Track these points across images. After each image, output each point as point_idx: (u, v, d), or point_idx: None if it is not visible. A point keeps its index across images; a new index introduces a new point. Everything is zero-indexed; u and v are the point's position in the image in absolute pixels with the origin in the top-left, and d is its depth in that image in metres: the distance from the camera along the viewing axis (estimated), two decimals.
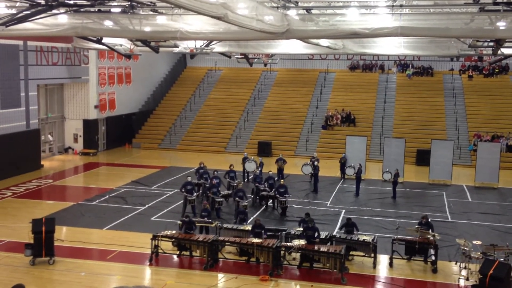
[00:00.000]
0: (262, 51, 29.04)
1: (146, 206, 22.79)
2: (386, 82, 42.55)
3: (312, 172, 26.41)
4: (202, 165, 24.77)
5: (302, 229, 16.77)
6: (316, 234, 16.21)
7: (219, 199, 21.40)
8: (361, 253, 16.56)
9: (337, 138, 36.04)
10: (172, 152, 37.42)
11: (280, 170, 27.60)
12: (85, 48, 32.20)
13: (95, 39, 26.17)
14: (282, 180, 22.95)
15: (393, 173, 25.56)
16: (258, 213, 21.86)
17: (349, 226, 17.22)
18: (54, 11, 17.46)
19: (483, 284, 13.90)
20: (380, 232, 19.29)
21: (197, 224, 18.19)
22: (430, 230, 16.73)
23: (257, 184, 23.28)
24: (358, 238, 16.61)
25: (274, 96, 42.53)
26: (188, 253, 16.55)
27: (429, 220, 17.53)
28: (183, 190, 21.51)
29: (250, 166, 26.78)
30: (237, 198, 21.25)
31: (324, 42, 24.42)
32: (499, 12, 15.98)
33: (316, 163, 27.03)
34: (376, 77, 43.39)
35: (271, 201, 22.76)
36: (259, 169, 25.75)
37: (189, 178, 22.18)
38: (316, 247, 15.55)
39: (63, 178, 28.59)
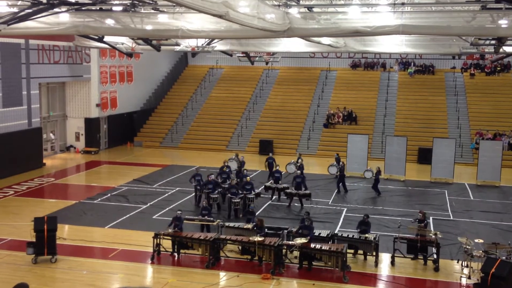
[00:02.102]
0: (263, 49, 29.04)
1: (148, 204, 22.82)
2: (388, 80, 42.51)
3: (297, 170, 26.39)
4: (226, 164, 25.03)
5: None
6: (311, 233, 16.22)
7: (214, 196, 21.45)
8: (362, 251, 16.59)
9: (339, 136, 36.02)
10: (174, 151, 37.44)
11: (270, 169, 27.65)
12: (87, 46, 32.23)
13: (96, 37, 26.19)
14: (235, 180, 22.55)
15: (374, 171, 25.58)
16: (259, 212, 21.87)
17: (365, 224, 17.09)
18: (56, 9, 17.50)
19: (485, 283, 13.89)
20: (381, 230, 19.28)
21: (198, 223, 18.28)
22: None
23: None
24: (360, 237, 16.61)
25: (275, 94, 42.52)
26: (189, 251, 16.55)
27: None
28: (204, 189, 21.86)
29: (232, 165, 26.47)
30: (229, 195, 21.35)
31: (326, 40, 24.40)
32: (501, 10, 15.97)
33: (300, 161, 27.14)
34: (378, 75, 43.34)
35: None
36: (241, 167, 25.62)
37: (212, 176, 22.27)
38: (318, 246, 15.55)
39: (65, 176, 28.63)
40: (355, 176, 28.41)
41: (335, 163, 28.50)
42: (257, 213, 21.12)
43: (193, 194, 23.20)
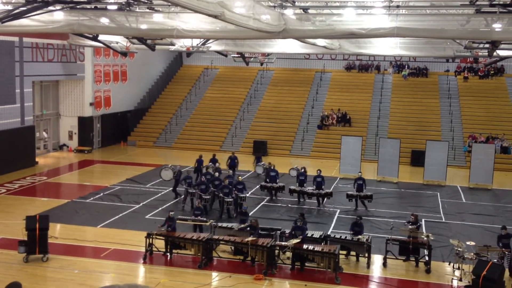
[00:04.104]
0: (258, 50, 29.08)
1: (141, 204, 22.76)
2: (382, 82, 42.63)
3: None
4: (271, 167, 25.14)
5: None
6: (303, 234, 16.27)
7: (206, 197, 21.43)
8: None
9: (333, 138, 36.09)
10: (167, 150, 37.38)
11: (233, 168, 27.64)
12: (81, 45, 32.14)
13: (91, 36, 26.12)
14: (227, 180, 22.40)
15: (300, 170, 25.50)
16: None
17: (358, 226, 17.14)
18: (50, 7, 17.44)
19: (476, 285, 13.96)
20: (374, 232, 19.33)
21: (191, 223, 18.27)
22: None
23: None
24: (353, 238, 16.65)
25: (270, 95, 42.54)
26: (181, 251, 16.53)
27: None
28: (197, 189, 21.95)
29: (167, 174, 25.26)
30: (221, 194, 21.39)
31: (321, 42, 24.45)
32: (495, 14, 16.08)
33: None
34: (372, 77, 43.46)
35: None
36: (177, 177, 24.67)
37: (203, 178, 22.37)
38: (311, 247, 15.57)
39: (57, 175, 28.51)
40: (348, 178, 28.46)
41: (263, 163, 28.38)
42: (250, 214, 21.12)
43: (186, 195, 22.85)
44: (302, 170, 24.93)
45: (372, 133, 37.05)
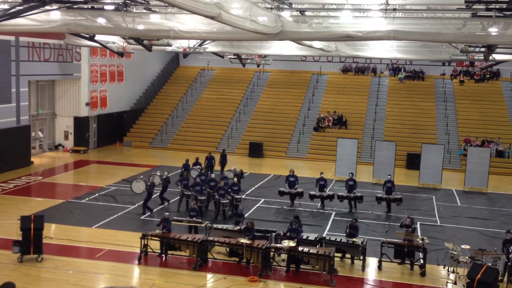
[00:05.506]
0: (255, 51, 29.05)
1: (136, 205, 22.71)
2: (378, 85, 42.71)
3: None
4: (291, 172, 24.57)
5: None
6: (298, 236, 16.28)
7: (201, 197, 21.39)
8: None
9: (329, 140, 36.12)
10: (163, 151, 37.33)
11: (211, 168, 27.68)
12: (78, 45, 32.01)
13: (87, 36, 26.06)
14: (222, 182, 22.20)
15: (236, 172, 25.15)
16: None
17: (353, 228, 17.11)
18: (47, 7, 17.39)
19: None
20: (369, 234, 19.32)
21: (186, 224, 18.24)
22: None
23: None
24: (348, 241, 16.65)
25: (266, 97, 42.55)
26: (176, 252, 16.50)
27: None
28: (191, 191, 21.83)
29: (138, 187, 22.80)
30: (216, 196, 21.35)
31: (317, 44, 24.45)
32: (491, 18, 16.12)
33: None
34: (368, 80, 43.53)
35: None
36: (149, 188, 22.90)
37: (198, 178, 22.20)
38: (306, 249, 15.57)
39: (52, 175, 28.42)
40: (343, 180, 28.41)
41: (199, 166, 26.83)
42: (246, 215, 21.13)
43: (181, 196, 22.56)
44: (239, 172, 24.81)
45: (368, 136, 37.11)
